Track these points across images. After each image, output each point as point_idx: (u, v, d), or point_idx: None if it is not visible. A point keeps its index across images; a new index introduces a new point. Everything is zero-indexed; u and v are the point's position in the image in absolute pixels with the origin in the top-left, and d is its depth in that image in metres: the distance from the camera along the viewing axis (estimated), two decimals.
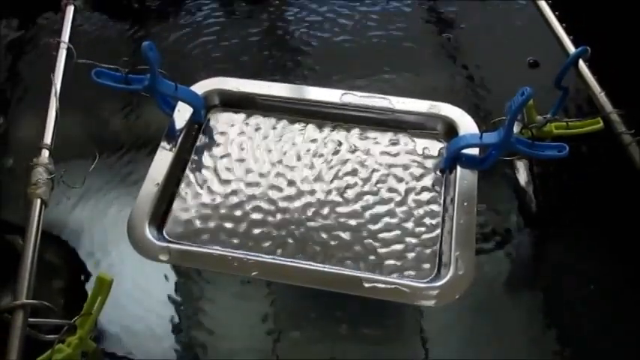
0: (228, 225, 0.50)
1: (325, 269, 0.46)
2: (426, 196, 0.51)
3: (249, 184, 0.52)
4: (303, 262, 0.47)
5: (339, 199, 0.51)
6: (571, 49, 0.49)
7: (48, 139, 0.44)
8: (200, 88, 0.57)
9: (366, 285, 0.45)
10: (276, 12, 0.71)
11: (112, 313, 0.47)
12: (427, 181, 0.52)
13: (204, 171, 0.53)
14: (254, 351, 0.48)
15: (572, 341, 0.48)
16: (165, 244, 0.47)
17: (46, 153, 0.43)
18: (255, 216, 0.50)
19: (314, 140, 0.55)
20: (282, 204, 0.51)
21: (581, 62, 0.48)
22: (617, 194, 0.53)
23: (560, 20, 0.57)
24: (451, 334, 0.48)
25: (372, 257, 0.47)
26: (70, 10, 0.52)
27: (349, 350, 0.47)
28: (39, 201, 0.41)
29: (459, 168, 0.51)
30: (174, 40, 0.67)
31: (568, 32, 0.55)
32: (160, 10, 0.71)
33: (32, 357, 0.37)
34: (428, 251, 0.48)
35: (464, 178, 0.50)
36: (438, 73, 0.65)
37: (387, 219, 0.49)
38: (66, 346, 0.39)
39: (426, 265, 0.47)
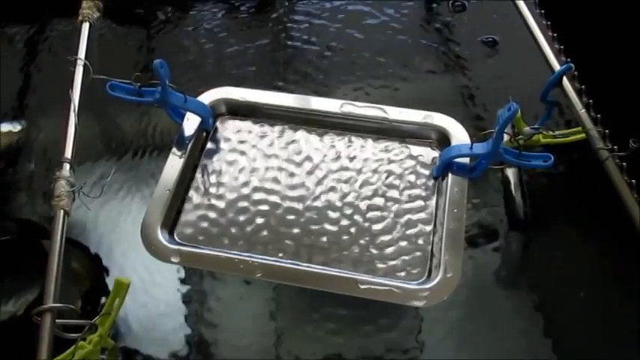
0: (235, 228, 0.52)
1: (323, 271, 0.49)
2: (419, 202, 0.53)
3: (254, 189, 0.55)
4: (303, 264, 0.50)
5: (338, 204, 0.54)
6: (556, 65, 0.51)
7: (68, 153, 0.47)
8: (208, 97, 0.59)
9: (362, 286, 0.47)
10: (280, 23, 0.74)
11: (129, 311, 0.51)
12: (420, 187, 0.54)
13: (212, 176, 0.56)
14: (259, 346, 0.52)
15: (554, 339, 0.51)
16: (176, 247, 0.50)
17: (67, 167, 0.46)
18: (260, 220, 0.53)
19: (315, 148, 0.58)
20: (284, 208, 0.53)
21: (565, 80, 0.51)
22: (602, 201, 0.56)
23: (552, 29, 0.58)
24: (439, 330, 0.52)
25: (367, 260, 0.50)
26: (86, 27, 0.55)
27: (347, 346, 0.51)
28: (62, 212, 0.44)
29: (450, 175, 0.53)
30: (183, 50, 0.70)
31: (559, 42, 0.58)
32: (168, 20, 0.74)
33: (55, 354, 0.41)
34: (419, 255, 0.50)
35: (455, 185, 0.52)
36: (437, 82, 0.67)
37: (382, 224, 0.52)
38: (87, 344, 0.43)
39: (418, 268, 0.50)
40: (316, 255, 0.51)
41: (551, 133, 0.54)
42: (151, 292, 0.53)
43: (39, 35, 0.74)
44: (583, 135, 0.52)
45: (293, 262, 0.50)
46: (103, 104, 0.64)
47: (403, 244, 0.51)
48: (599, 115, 0.49)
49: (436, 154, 0.56)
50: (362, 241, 0.51)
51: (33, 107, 0.68)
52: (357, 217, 0.53)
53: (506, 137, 0.54)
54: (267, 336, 0.51)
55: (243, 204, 0.54)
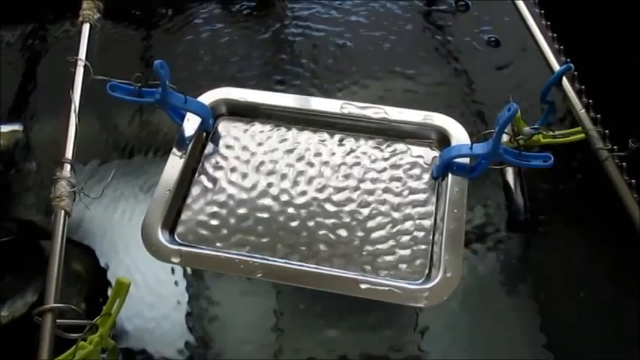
0: (235, 228, 0.52)
1: (324, 271, 0.49)
2: (419, 202, 0.54)
3: (254, 189, 0.55)
4: (304, 264, 0.50)
5: (338, 204, 0.54)
6: (556, 65, 0.52)
7: (69, 154, 0.47)
8: (208, 98, 0.59)
9: (362, 286, 0.47)
10: (279, 23, 0.74)
11: (129, 311, 0.51)
12: (420, 188, 0.54)
13: (212, 176, 0.56)
14: (260, 345, 0.52)
15: (554, 339, 0.51)
16: (176, 247, 0.50)
17: (67, 167, 0.46)
18: (260, 219, 0.53)
19: (315, 148, 0.58)
20: (284, 208, 0.54)
21: (564, 80, 0.51)
22: (602, 201, 0.56)
23: (552, 29, 0.58)
24: (439, 330, 0.52)
25: (367, 260, 0.50)
26: (86, 28, 0.55)
27: (347, 345, 0.51)
28: (62, 212, 0.44)
29: (450, 176, 0.53)
30: (183, 50, 0.70)
31: (559, 42, 0.58)
32: (168, 20, 0.74)
33: (56, 354, 0.41)
34: (420, 255, 0.50)
35: (455, 185, 0.52)
36: (438, 82, 0.67)
37: (382, 224, 0.52)
38: (88, 344, 0.43)
39: (418, 268, 0.50)
40: (316, 255, 0.51)
41: (551, 133, 0.54)
42: (151, 292, 0.53)
43: (39, 36, 0.74)
44: (583, 135, 0.52)
45: (293, 262, 0.50)
46: (104, 105, 0.64)
47: (403, 243, 0.51)
48: (598, 115, 0.49)
49: (436, 154, 0.57)
50: (362, 241, 0.51)
51: (33, 107, 0.68)
52: (357, 217, 0.53)
53: (506, 137, 0.54)
54: (267, 335, 0.52)
55: (244, 204, 0.54)
